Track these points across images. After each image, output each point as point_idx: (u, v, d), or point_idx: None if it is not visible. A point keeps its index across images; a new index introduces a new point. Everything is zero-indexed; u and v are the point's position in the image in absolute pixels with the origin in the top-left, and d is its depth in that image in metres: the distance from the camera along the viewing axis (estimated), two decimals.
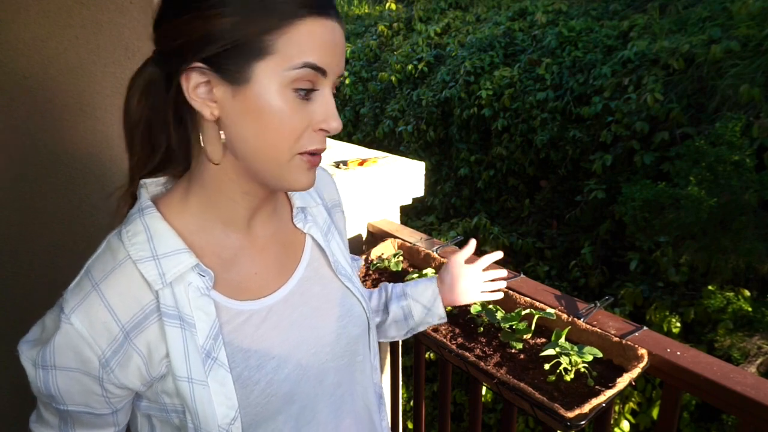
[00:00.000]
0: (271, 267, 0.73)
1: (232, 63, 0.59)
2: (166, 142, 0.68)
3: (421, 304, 0.99)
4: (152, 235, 0.65)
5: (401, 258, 1.52)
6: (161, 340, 0.64)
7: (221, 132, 0.63)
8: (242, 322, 0.68)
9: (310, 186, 0.66)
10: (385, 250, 1.56)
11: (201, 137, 0.64)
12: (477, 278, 1.02)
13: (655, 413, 3.10)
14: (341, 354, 0.77)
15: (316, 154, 0.65)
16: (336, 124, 0.64)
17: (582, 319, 1.10)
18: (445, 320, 1.01)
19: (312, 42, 0.60)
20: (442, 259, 1.42)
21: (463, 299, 1.01)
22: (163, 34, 0.62)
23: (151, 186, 0.71)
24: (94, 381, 0.63)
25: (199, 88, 0.61)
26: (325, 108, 0.63)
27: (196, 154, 0.67)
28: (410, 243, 1.54)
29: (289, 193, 0.80)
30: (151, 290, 0.64)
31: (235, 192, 0.68)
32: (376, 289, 1.04)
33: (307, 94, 0.61)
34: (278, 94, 0.60)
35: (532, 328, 1.13)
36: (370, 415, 0.86)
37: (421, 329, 1.02)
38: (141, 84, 0.66)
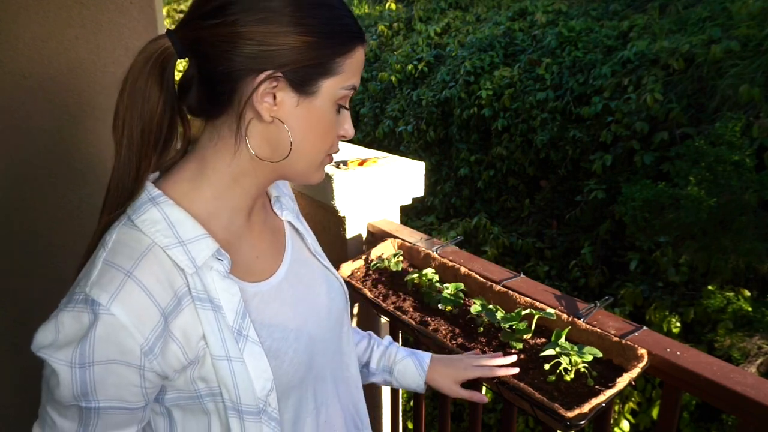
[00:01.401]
0: (267, 251, 0.80)
1: (307, 77, 0.67)
2: (168, 132, 0.70)
3: (401, 385, 1.07)
4: (173, 222, 0.67)
5: (401, 258, 1.52)
6: (196, 323, 0.66)
7: (270, 132, 0.69)
8: (259, 301, 0.74)
9: (322, 180, 0.78)
10: (385, 250, 1.56)
11: (243, 133, 0.68)
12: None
13: (655, 413, 3.10)
14: (333, 326, 0.85)
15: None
16: (352, 131, 0.76)
17: (582, 319, 1.10)
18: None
19: (358, 66, 0.71)
20: (441, 259, 1.42)
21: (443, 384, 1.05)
22: (232, 37, 0.64)
23: (151, 176, 0.72)
24: (133, 372, 0.62)
25: (265, 93, 0.66)
26: (348, 119, 0.75)
27: (214, 145, 0.71)
28: (410, 243, 1.54)
29: None
30: (180, 275, 0.66)
31: (252, 184, 0.73)
32: (362, 337, 1.08)
33: (342, 108, 0.73)
34: (330, 106, 0.70)
35: (532, 328, 1.13)
36: (355, 382, 0.93)
37: None
38: (155, 69, 0.66)
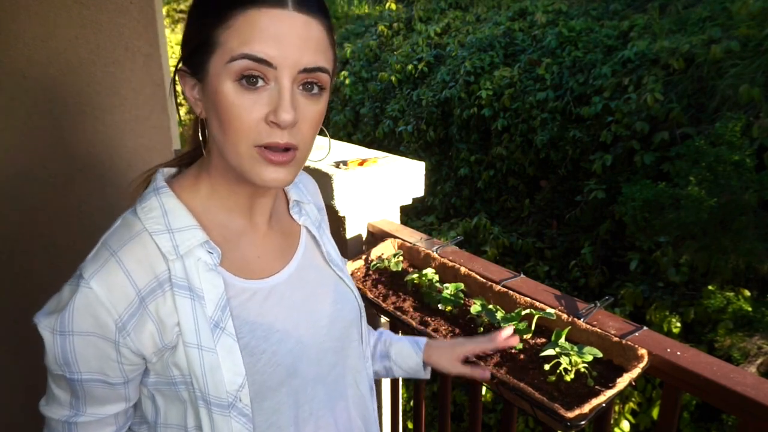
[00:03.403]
0: (271, 252, 0.79)
1: (196, 61, 0.66)
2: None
3: (402, 370, 1.04)
4: (167, 211, 0.70)
5: (401, 258, 1.52)
6: (173, 309, 0.67)
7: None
8: (247, 298, 0.73)
9: (276, 183, 0.65)
10: (385, 250, 1.56)
11: (205, 133, 0.72)
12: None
13: (655, 413, 3.10)
14: (337, 337, 0.83)
15: (275, 150, 0.63)
16: (286, 115, 0.61)
17: (582, 319, 1.10)
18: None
19: (253, 33, 0.60)
20: (441, 259, 1.42)
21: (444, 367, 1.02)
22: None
23: (166, 171, 0.77)
24: (110, 345, 0.65)
25: (187, 89, 0.69)
26: (273, 100, 0.62)
27: (207, 149, 0.74)
28: (410, 243, 1.54)
29: (285, 188, 0.86)
30: (165, 261, 0.68)
31: (231, 181, 0.73)
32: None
33: (252, 86, 0.62)
34: (227, 86, 0.62)
35: (532, 328, 1.13)
36: (364, 402, 0.90)
37: None
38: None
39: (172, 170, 0.78)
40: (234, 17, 0.61)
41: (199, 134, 0.72)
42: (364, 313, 0.91)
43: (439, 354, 1.02)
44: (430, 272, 1.38)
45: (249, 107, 0.62)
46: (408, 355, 1.02)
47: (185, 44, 0.67)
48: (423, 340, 1.04)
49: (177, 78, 0.70)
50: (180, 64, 0.69)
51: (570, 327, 1.08)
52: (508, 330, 1.00)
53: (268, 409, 0.74)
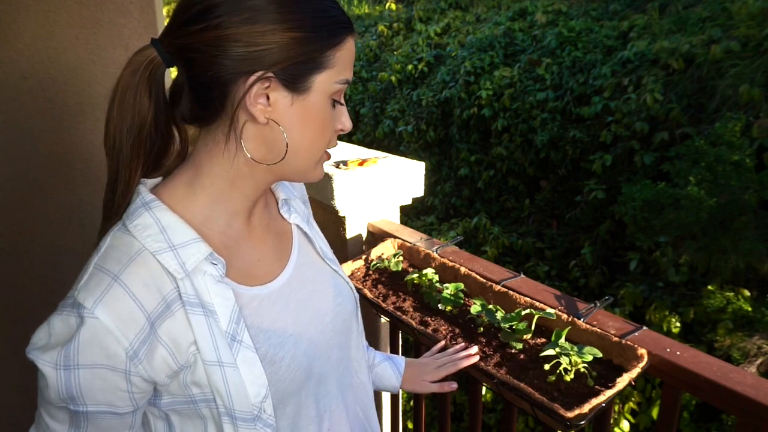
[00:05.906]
0: (269, 254, 0.78)
1: (298, 74, 0.65)
2: (161, 140, 0.71)
3: (378, 388, 1.09)
4: (164, 227, 0.66)
5: (401, 258, 1.52)
6: (186, 329, 0.65)
7: (265, 133, 0.68)
8: (257, 305, 0.72)
9: (321, 177, 0.76)
10: (385, 250, 1.56)
11: (238, 136, 0.67)
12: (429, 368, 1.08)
13: (654, 413, 3.10)
14: (340, 331, 0.84)
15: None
16: (350, 124, 0.74)
17: (582, 319, 1.10)
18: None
19: (349, 58, 0.70)
20: (441, 259, 1.42)
21: (417, 388, 1.09)
22: (218, 41, 0.63)
23: (149, 182, 0.72)
24: (120, 376, 0.62)
25: (258, 94, 0.65)
26: (344, 112, 0.73)
27: (209, 150, 0.70)
28: (410, 243, 1.54)
29: (272, 187, 0.86)
30: (170, 280, 0.65)
31: (250, 186, 0.72)
32: None
33: (337, 103, 0.71)
34: (325, 102, 0.69)
35: (532, 328, 1.12)
36: (365, 390, 0.92)
37: None
38: (144, 81, 0.66)
39: (155, 181, 0.73)
40: (345, 41, 0.68)
41: (241, 140, 0.67)
42: (359, 304, 0.92)
43: (412, 380, 1.08)
44: (430, 272, 1.38)
45: (334, 121, 0.72)
46: (388, 379, 1.08)
47: (277, 53, 0.63)
48: (403, 363, 1.10)
49: (247, 81, 0.64)
50: (266, 72, 0.64)
51: (570, 327, 1.08)
52: (473, 349, 1.09)
53: (290, 414, 0.74)
